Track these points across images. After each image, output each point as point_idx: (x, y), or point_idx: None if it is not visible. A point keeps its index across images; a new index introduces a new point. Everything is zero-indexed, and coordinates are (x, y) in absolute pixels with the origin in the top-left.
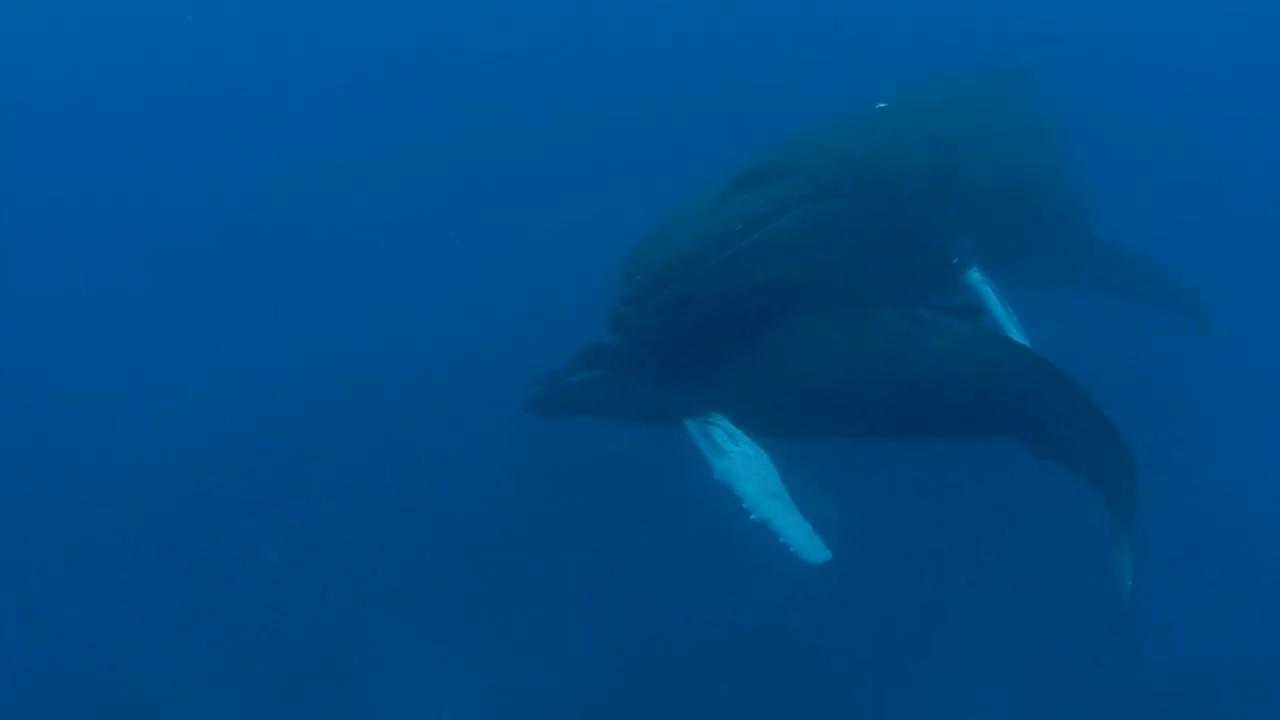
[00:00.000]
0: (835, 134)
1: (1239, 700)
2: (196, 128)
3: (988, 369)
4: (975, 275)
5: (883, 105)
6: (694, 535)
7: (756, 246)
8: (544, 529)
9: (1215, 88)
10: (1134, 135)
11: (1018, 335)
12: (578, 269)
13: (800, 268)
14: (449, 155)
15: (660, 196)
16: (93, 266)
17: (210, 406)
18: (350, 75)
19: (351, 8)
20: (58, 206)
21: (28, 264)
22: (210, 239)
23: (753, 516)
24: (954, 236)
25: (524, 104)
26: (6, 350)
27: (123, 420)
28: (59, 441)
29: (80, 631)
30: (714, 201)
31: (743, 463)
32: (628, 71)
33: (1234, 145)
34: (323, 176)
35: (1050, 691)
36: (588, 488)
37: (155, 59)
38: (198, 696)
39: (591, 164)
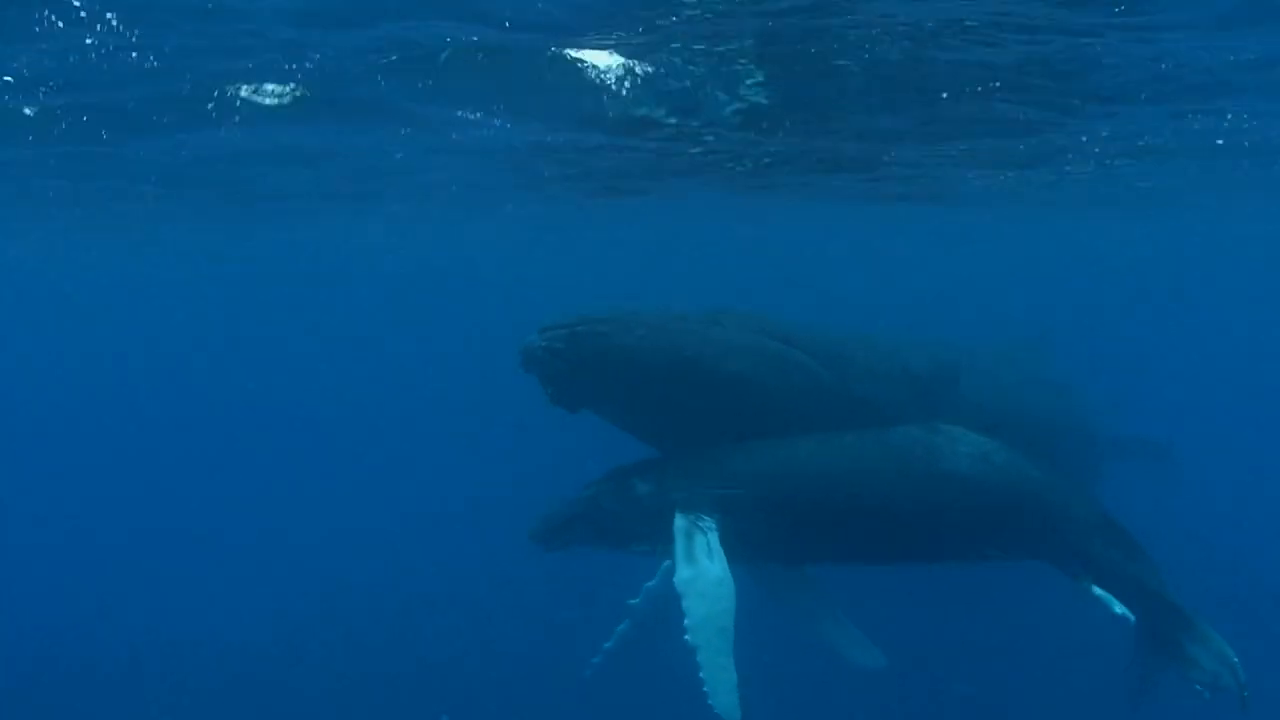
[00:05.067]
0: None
1: None
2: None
3: (1017, 476)
4: None
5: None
6: None
7: (687, 332)
8: None
9: None
10: None
11: None
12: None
13: (737, 372)
14: None
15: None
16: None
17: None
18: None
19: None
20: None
21: None
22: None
23: (686, 637)
24: None
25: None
26: None
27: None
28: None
29: None
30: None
31: (707, 581)
32: None
33: None
34: None
35: None
36: None
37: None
38: None
39: None
